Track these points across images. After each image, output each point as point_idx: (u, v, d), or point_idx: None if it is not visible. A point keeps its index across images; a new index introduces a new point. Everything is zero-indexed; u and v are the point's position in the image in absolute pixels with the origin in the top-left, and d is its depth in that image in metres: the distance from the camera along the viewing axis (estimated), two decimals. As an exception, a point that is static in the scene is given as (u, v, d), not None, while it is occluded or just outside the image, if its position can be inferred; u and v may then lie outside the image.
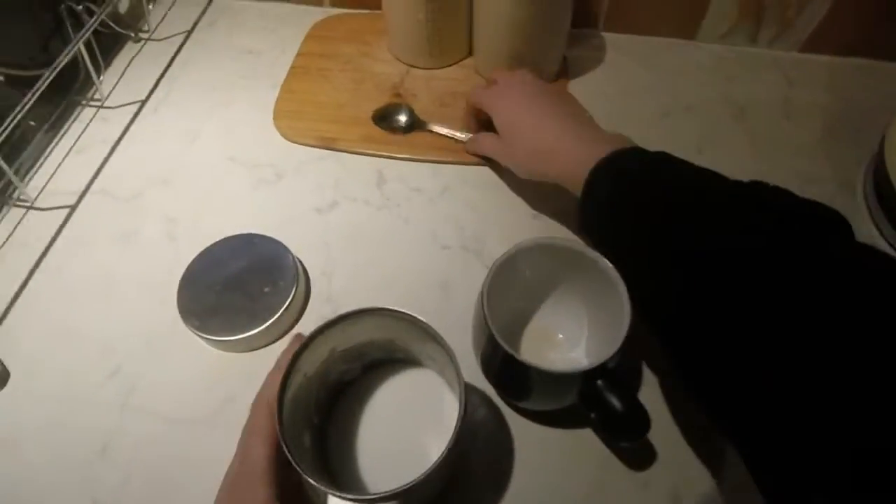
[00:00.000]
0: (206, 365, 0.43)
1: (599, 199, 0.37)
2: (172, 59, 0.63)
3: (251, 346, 0.43)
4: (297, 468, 0.27)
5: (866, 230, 0.49)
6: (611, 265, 0.34)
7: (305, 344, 0.31)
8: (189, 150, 0.56)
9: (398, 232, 0.50)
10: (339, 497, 0.27)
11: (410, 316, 0.31)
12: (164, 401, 0.42)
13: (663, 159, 0.37)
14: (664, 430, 0.39)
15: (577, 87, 0.59)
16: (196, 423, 0.41)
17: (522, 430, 0.40)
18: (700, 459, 0.38)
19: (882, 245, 0.48)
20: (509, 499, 0.37)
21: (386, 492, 0.27)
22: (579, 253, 0.36)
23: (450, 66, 0.60)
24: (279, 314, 0.42)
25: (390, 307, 0.31)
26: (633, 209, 0.35)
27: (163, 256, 0.48)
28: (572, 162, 0.40)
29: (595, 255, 0.35)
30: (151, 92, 0.60)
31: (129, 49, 0.64)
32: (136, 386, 0.43)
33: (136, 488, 0.39)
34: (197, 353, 0.43)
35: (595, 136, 0.42)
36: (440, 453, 0.28)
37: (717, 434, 0.39)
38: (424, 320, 0.31)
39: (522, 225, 0.50)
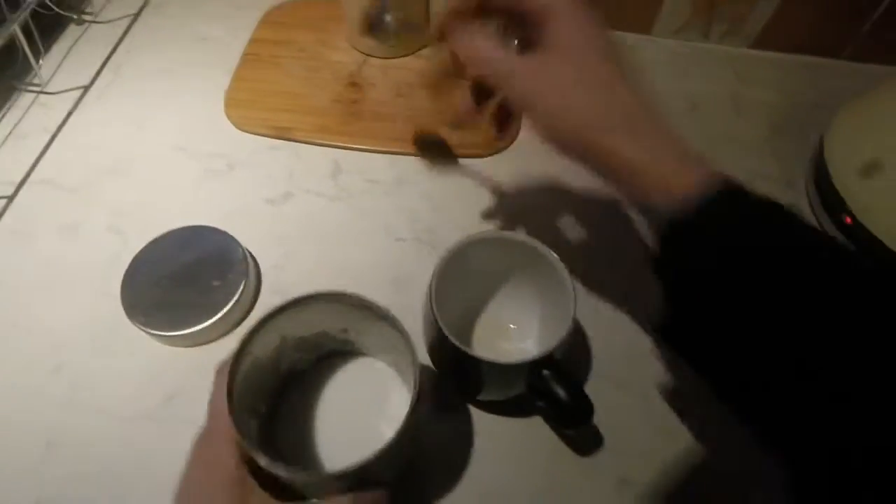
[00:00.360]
0: (152, 360, 0.42)
1: (708, 242, 0.27)
2: (118, 43, 0.61)
3: (200, 340, 0.42)
4: (250, 449, 0.27)
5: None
6: (559, 260, 0.35)
7: (256, 328, 0.30)
8: (136, 140, 0.54)
9: (352, 224, 0.49)
10: (287, 472, 0.27)
11: (360, 298, 0.31)
12: (110, 396, 0.41)
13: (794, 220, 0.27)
14: (610, 418, 0.40)
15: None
16: (142, 418, 0.40)
17: (475, 419, 0.40)
18: (644, 444, 0.40)
19: (821, 238, 0.50)
20: (463, 486, 0.38)
21: (337, 470, 0.27)
22: (530, 247, 0.36)
23: (407, 55, 0.59)
24: (228, 308, 0.41)
25: (341, 290, 0.31)
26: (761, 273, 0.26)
27: (108, 249, 0.47)
28: (653, 163, 0.28)
29: (545, 249, 0.35)
30: (95, 77, 0.58)
31: (71, 32, 0.62)
32: (81, 381, 0.41)
33: (81, 484, 0.38)
34: (143, 347, 0.42)
35: (681, 145, 0.30)
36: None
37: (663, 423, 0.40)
38: (375, 301, 0.31)
39: (476, 217, 0.50)
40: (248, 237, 0.46)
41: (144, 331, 0.41)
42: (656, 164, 0.28)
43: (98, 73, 0.58)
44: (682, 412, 0.41)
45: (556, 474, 0.39)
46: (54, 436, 0.39)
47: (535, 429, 0.40)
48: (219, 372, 0.30)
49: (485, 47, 0.30)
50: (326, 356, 0.39)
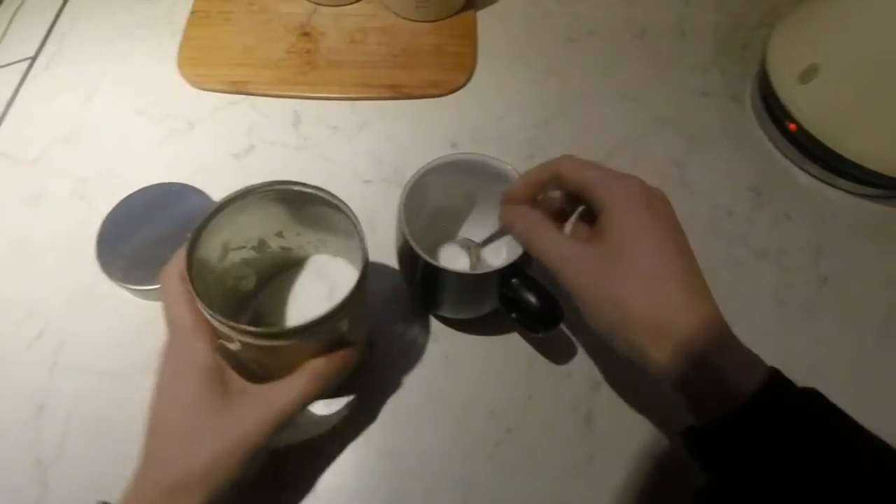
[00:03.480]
0: (133, 316, 0.43)
1: (757, 443, 0.26)
2: (59, 12, 0.59)
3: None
4: (210, 315, 0.28)
5: (756, 136, 0.54)
6: (517, 172, 0.36)
7: (199, 230, 0.31)
8: (90, 107, 0.53)
9: (319, 171, 0.50)
10: (249, 332, 0.28)
11: (293, 182, 0.32)
12: (95, 355, 0.41)
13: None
14: (582, 326, 0.42)
15: (484, 15, 0.60)
16: (129, 373, 0.41)
17: (452, 340, 0.42)
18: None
19: (767, 146, 0.53)
20: (446, 404, 0.40)
21: (300, 324, 0.28)
22: (488, 165, 0.37)
23: (357, 2, 0.59)
24: (204, 258, 0.42)
25: (276, 179, 0.32)
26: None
27: (74, 216, 0.47)
28: (696, 374, 0.27)
29: (503, 164, 0.37)
30: (40, 48, 0.56)
31: (8, 5, 0.60)
32: (64, 344, 0.42)
33: (76, 443, 0.39)
34: (122, 305, 0.43)
35: (735, 342, 0.28)
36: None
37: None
38: (309, 182, 0.32)
39: (440, 153, 0.51)
40: (217, 192, 0.46)
41: (124, 287, 0.42)
42: (698, 376, 0.27)
43: (43, 43, 0.57)
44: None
45: (535, 382, 0.41)
46: (45, 398, 0.40)
47: (511, 344, 0.42)
48: (163, 283, 0.31)
49: (544, 226, 0.31)
50: (273, 275, 0.40)
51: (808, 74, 0.47)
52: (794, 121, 0.49)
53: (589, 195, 0.30)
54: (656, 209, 0.29)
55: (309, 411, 0.40)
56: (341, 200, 0.32)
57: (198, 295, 0.29)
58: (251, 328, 0.28)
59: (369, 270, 0.32)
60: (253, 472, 0.30)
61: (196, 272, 0.30)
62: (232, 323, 0.28)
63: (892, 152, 0.45)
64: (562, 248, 0.30)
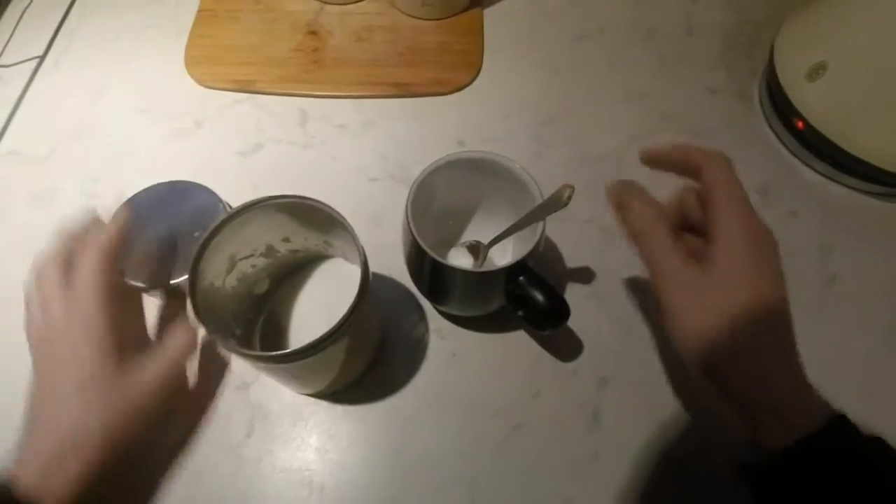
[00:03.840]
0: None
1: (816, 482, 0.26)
2: (67, 10, 0.59)
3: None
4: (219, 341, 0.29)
5: (764, 134, 0.53)
6: (524, 170, 0.36)
7: (201, 250, 0.32)
8: (98, 105, 0.53)
9: (325, 169, 0.50)
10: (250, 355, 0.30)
11: (295, 197, 0.33)
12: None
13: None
14: (588, 324, 0.43)
15: (490, 13, 0.60)
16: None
17: (459, 338, 0.43)
18: (621, 347, 0.42)
19: (774, 143, 0.52)
20: (453, 401, 0.40)
21: (287, 350, 0.29)
22: (494, 162, 0.37)
23: (363, 0, 0.59)
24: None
25: (273, 194, 0.33)
26: None
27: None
28: (769, 407, 0.28)
29: (509, 162, 0.37)
30: (49, 47, 0.57)
31: (17, 4, 0.60)
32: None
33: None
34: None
35: (802, 387, 0.29)
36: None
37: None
38: (310, 196, 0.33)
39: (447, 150, 0.51)
40: (224, 189, 0.46)
41: (132, 284, 0.42)
42: (773, 408, 0.28)
43: (51, 41, 0.57)
44: (649, 312, 0.44)
45: (541, 380, 0.41)
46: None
47: (518, 342, 0.42)
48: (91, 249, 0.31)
49: (658, 233, 0.30)
50: (285, 275, 0.41)
51: (816, 72, 0.47)
52: (801, 118, 0.49)
53: (711, 216, 0.29)
54: (768, 258, 0.29)
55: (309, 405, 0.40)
56: (339, 214, 0.33)
57: (200, 319, 0.30)
58: (252, 353, 0.30)
59: (369, 287, 0.32)
60: (150, 432, 0.29)
61: (200, 298, 0.31)
62: (238, 349, 0.30)
63: (900, 150, 0.45)
64: (672, 264, 0.29)
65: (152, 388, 0.29)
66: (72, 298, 0.30)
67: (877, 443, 0.27)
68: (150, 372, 0.29)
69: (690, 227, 0.32)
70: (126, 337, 0.30)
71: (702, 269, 0.28)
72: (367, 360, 0.41)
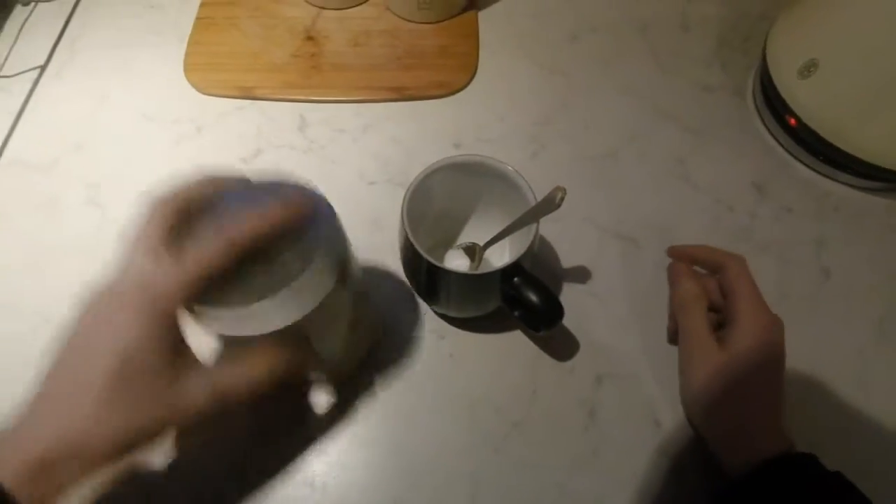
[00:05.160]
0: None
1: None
2: (68, 19, 0.60)
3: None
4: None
5: (758, 131, 0.54)
6: (518, 173, 0.37)
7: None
8: (100, 113, 0.54)
9: (326, 173, 0.51)
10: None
11: None
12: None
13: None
14: (585, 323, 0.43)
15: (487, 13, 0.61)
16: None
17: (458, 338, 0.43)
18: (617, 345, 0.43)
19: (769, 140, 0.53)
20: (452, 401, 0.41)
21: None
22: (488, 165, 0.38)
23: (360, 4, 0.60)
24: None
25: None
26: None
27: (89, 222, 0.48)
28: (745, 449, 0.34)
29: (503, 165, 0.38)
30: (51, 56, 0.58)
31: (18, 13, 0.61)
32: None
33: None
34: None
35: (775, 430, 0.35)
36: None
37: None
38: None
39: (444, 154, 0.51)
40: (226, 195, 0.47)
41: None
42: (749, 452, 0.34)
43: (52, 50, 0.58)
44: (644, 309, 0.44)
45: (539, 378, 0.42)
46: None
47: (515, 342, 0.43)
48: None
49: (699, 308, 0.38)
50: None
51: (808, 70, 0.47)
52: (794, 115, 0.49)
53: (733, 305, 0.37)
54: (775, 350, 0.36)
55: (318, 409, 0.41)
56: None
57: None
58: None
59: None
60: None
61: None
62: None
63: (889, 146, 0.45)
64: (702, 335, 0.37)
65: (196, 412, 0.25)
66: (165, 268, 0.24)
67: (836, 476, 0.32)
68: (202, 394, 0.25)
69: (712, 307, 0.40)
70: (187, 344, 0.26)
71: (720, 346, 0.36)
72: (368, 341, 0.41)
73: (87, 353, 0.24)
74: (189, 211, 0.26)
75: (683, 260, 0.42)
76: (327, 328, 0.33)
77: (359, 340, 0.40)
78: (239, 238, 0.25)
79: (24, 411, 0.24)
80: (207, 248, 0.24)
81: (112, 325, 0.24)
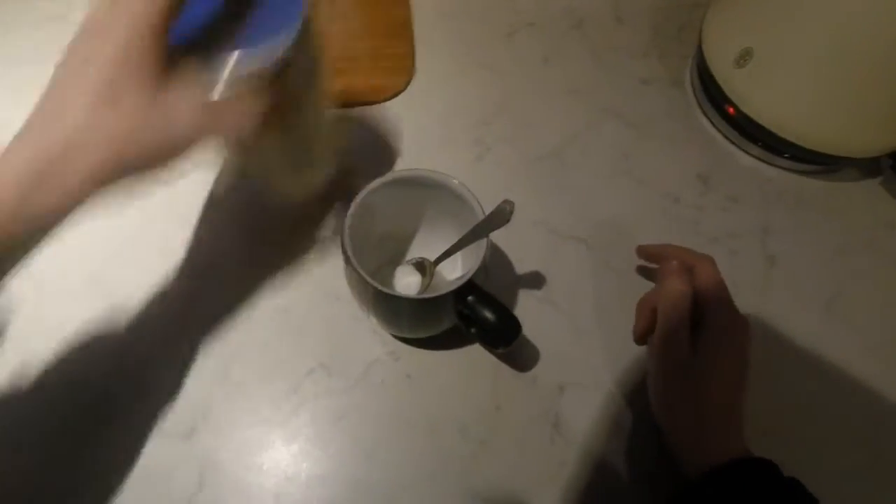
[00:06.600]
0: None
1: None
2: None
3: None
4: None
5: (699, 121, 0.54)
6: (463, 185, 0.35)
7: None
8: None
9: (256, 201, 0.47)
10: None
11: None
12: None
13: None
14: (543, 331, 0.42)
15: (421, 9, 0.58)
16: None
17: (415, 358, 0.41)
18: (577, 352, 0.42)
19: (710, 130, 0.53)
20: (413, 425, 0.39)
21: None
22: (430, 178, 0.36)
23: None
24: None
25: None
26: None
27: None
28: (703, 451, 0.34)
29: (446, 178, 0.36)
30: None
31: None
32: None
33: None
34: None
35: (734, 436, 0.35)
36: None
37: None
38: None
39: (387, 160, 0.50)
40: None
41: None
42: (705, 452, 0.34)
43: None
44: (603, 312, 0.44)
45: (502, 392, 0.41)
46: None
47: (477, 356, 0.42)
48: None
49: (676, 323, 0.37)
50: None
51: (743, 59, 0.47)
52: (731, 104, 0.50)
53: (701, 306, 0.37)
54: (738, 351, 0.36)
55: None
56: None
57: None
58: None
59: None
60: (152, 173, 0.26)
61: None
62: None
63: (825, 130, 0.46)
64: (681, 333, 0.36)
65: (184, 126, 0.25)
66: None
67: (792, 482, 0.32)
68: (189, 108, 0.25)
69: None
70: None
71: (689, 346, 0.36)
72: (324, 164, 0.40)
73: (75, 68, 0.25)
74: None
75: (653, 260, 0.43)
76: (301, 95, 0.33)
77: (322, 147, 0.39)
78: None
79: (22, 127, 0.24)
80: None
81: (98, 37, 0.24)
